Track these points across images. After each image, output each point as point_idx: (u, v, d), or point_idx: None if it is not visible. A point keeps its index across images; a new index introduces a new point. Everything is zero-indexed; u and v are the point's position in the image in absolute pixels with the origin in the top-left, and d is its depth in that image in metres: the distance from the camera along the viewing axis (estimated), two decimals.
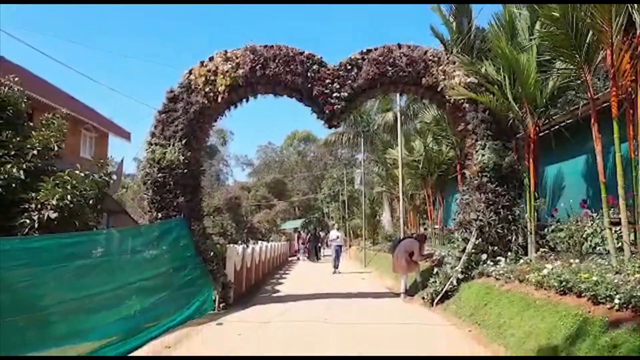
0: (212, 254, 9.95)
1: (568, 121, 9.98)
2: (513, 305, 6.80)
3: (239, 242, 24.85)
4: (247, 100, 10.66)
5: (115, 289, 7.35)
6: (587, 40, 6.63)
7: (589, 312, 5.17)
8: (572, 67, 7.43)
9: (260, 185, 51.33)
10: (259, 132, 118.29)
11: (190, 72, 10.14)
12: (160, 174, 9.68)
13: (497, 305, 7.26)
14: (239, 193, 38.22)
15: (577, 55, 6.81)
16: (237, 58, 10.05)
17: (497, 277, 8.24)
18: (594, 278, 5.45)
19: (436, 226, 16.10)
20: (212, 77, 9.99)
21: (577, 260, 7.06)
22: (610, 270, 5.77)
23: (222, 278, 9.92)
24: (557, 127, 9.92)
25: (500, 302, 7.24)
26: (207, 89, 9.96)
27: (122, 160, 24.77)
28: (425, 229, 17.87)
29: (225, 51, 10.16)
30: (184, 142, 9.82)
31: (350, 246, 34.93)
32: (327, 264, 26.83)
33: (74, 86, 47.04)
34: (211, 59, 10.16)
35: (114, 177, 21.86)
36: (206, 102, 9.97)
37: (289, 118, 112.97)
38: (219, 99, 9.98)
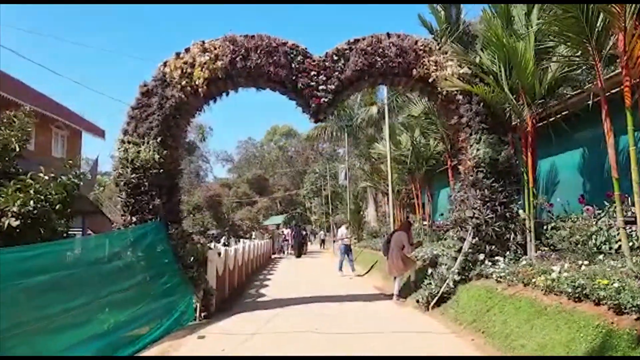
0: (192, 259, 9.26)
1: (563, 113, 9.56)
2: (520, 312, 6.29)
3: (221, 240, 24.25)
4: (227, 94, 9.97)
5: (84, 304, 6.64)
6: (598, 24, 6.11)
7: (612, 323, 4.67)
8: (578, 53, 6.89)
9: (241, 182, 50.52)
10: (239, 128, 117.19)
11: (165, 65, 9.41)
12: (134, 175, 8.95)
13: (501, 311, 6.76)
14: (219, 190, 37.54)
15: (586, 41, 6.29)
16: (215, 49, 9.35)
17: (498, 279, 7.75)
18: (615, 285, 4.95)
19: (425, 222, 15.62)
20: (189, 70, 9.28)
21: (585, 262, 6.57)
22: (630, 275, 5.29)
23: (204, 285, 9.26)
24: (553, 118, 9.47)
25: (505, 308, 6.74)
26: (183, 82, 9.25)
27: (97, 159, 23.92)
28: (407, 218, 17.31)
29: (203, 42, 9.45)
30: (159, 139, 9.10)
31: (333, 241, 34.53)
32: (312, 260, 26.52)
33: (46, 84, 45.34)
34: (187, 50, 9.44)
35: (89, 176, 20.97)
36: (183, 96, 9.26)
37: (270, 113, 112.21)
38: (197, 93, 9.28)
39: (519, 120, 9.01)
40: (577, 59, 7.30)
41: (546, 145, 10.11)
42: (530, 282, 6.77)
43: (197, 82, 9.21)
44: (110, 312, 7.10)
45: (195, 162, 60.83)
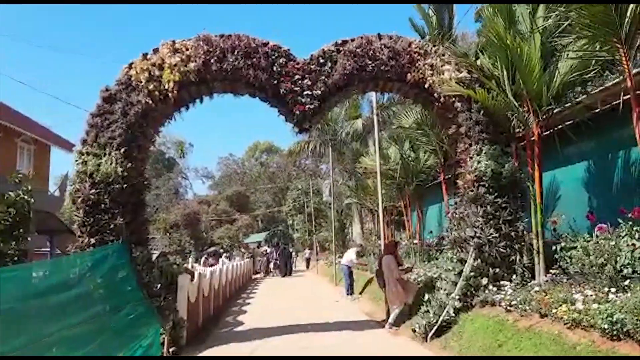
0: (159, 285, 8.17)
1: (567, 122, 8.77)
2: (542, 350, 5.36)
3: (197, 260, 23.00)
4: (201, 101, 8.99)
5: (25, 345, 5.52)
6: (628, 14, 5.30)
7: None
8: (605, 49, 6.06)
9: (221, 199, 49.08)
10: (220, 144, 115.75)
11: (130, 67, 8.41)
12: (93, 190, 7.87)
13: (517, 347, 5.81)
14: (198, 208, 36.29)
15: (613, 33, 5.47)
16: (187, 50, 8.39)
17: (508, 307, 6.83)
18: None
19: (415, 241, 14.69)
20: (158, 72, 8.28)
21: (612, 289, 5.69)
22: None
23: (173, 315, 8.15)
24: (560, 126, 8.67)
25: (522, 344, 5.80)
26: (151, 87, 8.24)
27: (66, 174, 22.50)
28: (393, 239, 16.30)
29: (174, 41, 8.49)
30: (122, 150, 8.06)
31: (317, 261, 33.37)
32: (295, 280, 25.32)
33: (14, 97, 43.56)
34: (156, 50, 8.46)
35: (57, 193, 19.51)
36: (150, 102, 8.24)
37: (251, 129, 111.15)
38: (166, 98, 8.29)
39: (523, 128, 8.20)
40: (604, 53, 6.41)
41: (546, 158, 9.29)
42: (548, 312, 5.88)
43: (166, 86, 8.22)
44: (60, 352, 5.99)
45: (174, 178, 59.34)
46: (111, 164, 7.98)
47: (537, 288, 6.92)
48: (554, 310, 5.74)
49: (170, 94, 8.25)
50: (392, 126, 16.74)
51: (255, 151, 67.26)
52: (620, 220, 7.48)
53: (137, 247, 8.17)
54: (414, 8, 11.84)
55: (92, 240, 7.88)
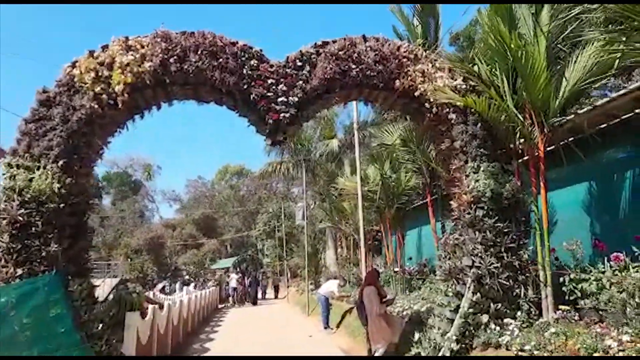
0: (100, 326, 6.80)
1: (568, 139, 7.90)
2: None
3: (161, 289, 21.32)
4: (158, 107, 7.77)
5: None
6: None
7: None
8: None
9: (187, 223, 47.04)
10: (189, 168, 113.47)
11: (73, 66, 7.15)
12: (22, 210, 6.50)
13: None
14: (162, 231, 34.40)
15: None
16: (142, 47, 7.20)
17: (519, 352, 5.74)
18: None
19: (396, 268, 13.59)
20: (106, 73, 7.06)
21: None
22: None
23: None
24: (564, 142, 7.77)
25: None
26: (97, 89, 7.00)
27: None
28: (374, 268, 15.16)
29: (126, 38, 7.29)
30: (61, 163, 6.74)
31: (288, 287, 31.86)
32: (265, 310, 23.70)
33: None
34: (105, 47, 7.25)
35: None
36: (96, 106, 6.99)
37: (222, 152, 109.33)
38: (116, 103, 7.04)
39: (525, 144, 7.27)
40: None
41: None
42: None
43: (116, 89, 6.99)
44: None
45: (140, 201, 57.09)
46: (46, 179, 6.64)
47: (552, 329, 5.86)
48: None
49: (120, 98, 7.01)
50: (372, 145, 15.76)
51: (226, 174, 65.62)
52: (636, 249, 6.60)
53: (75, 280, 6.80)
54: (396, 17, 11.02)
55: (19, 271, 6.46)
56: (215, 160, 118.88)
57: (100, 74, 7.06)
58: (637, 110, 7.08)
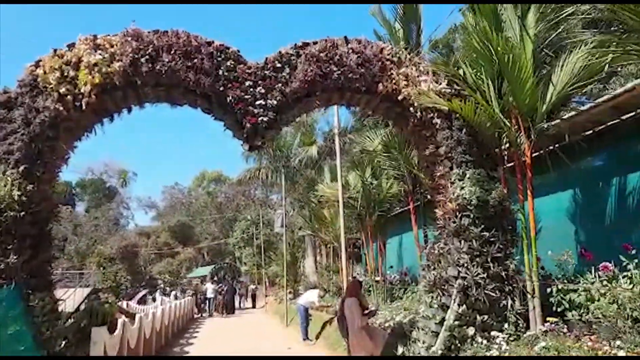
0: (64, 342, 6.33)
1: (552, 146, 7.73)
2: None
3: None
4: (129, 110, 7.36)
5: None
6: None
7: None
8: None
9: (163, 230, 46.00)
10: (165, 174, 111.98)
11: (37, 65, 6.71)
12: None
13: None
14: (136, 239, 33.51)
15: None
16: (112, 46, 6.80)
17: None
18: None
19: (377, 278, 13.30)
20: (72, 73, 6.64)
21: None
22: None
23: None
24: (550, 148, 7.60)
25: None
26: (62, 90, 6.57)
27: None
28: (356, 278, 14.85)
29: (95, 36, 6.88)
30: (22, 169, 6.30)
31: (266, 296, 31.30)
32: (242, 320, 23.10)
33: None
34: (71, 46, 6.82)
35: None
36: (61, 108, 6.56)
37: (200, 159, 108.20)
38: (82, 105, 6.62)
39: (512, 149, 7.07)
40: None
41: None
42: None
43: (83, 90, 6.58)
44: None
45: (114, 208, 55.83)
46: (5, 185, 6.19)
47: (542, 343, 5.62)
48: None
49: (87, 100, 6.60)
50: (353, 151, 15.50)
51: (203, 180, 64.73)
52: (623, 258, 6.44)
53: (37, 294, 6.32)
54: (378, 21, 10.80)
55: None
56: (192, 167, 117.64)
57: (65, 74, 6.65)
58: (624, 117, 6.97)
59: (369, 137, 11.47)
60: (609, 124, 7.25)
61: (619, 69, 10.75)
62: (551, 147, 7.39)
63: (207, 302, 26.50)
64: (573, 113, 7.12)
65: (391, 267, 15.00)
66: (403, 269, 14.10)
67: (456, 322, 6.66)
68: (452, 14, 9.25)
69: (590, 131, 7.55)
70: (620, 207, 7.52)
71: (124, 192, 62.51)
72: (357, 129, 20.38)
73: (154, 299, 26.84)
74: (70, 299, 18.40)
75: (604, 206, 7.81)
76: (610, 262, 6.51)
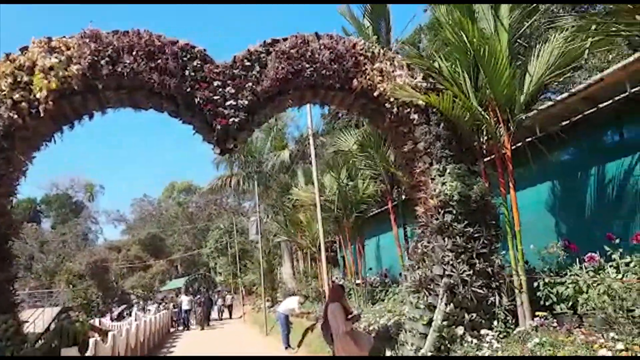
0: None
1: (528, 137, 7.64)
2: None
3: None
4: (90, 116, 6.92)
5: None
6: None
7: None
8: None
9: (133, 244, 44.82)
10: (134, 187, 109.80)
11: None
12: None
13: None
14: (106, 254, 32.43)
15: None
16: (68, 49, 6.38)
17: None
18: None
19: (357, 280, 13.05)
20: (26, 78, 6.18)
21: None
22: None
23: None
24: (529, 139, 7.49)
25: None
26: (16, 96, 6.10)
27: None
28: (338, 282, 14.57)
29: (49, 38, 6.44)
30: None
31: (244, 305, 30.70)
32: (223, 332, 22.43)
33: None
34: (24, 50, 6.37)
35: None
36: (16, 116, 6.08)
37: (168, 168, 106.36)
38: (39, 112, 6.16)
39: (491, 142, 6.92)
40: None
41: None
42: None
43: (38, 96, 6.12)
44: None
45: (82, 223, 54.23)
46: None
47: (536, 339, 5.43)
48: None
49: (44, 106, 6.14)
50: (326, 154, 15.24)
51: (173, 191, 63.62)
52: (607, 248, 6.34)
53: None
54: (346, 19, 10.61)
55: None
56: (161, 178, 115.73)
57: (19, 79, 6.19)
58: (600, 105, 6.90)
59: (343, 137, 11.22)
60: (585, 113, 7.18)
61: (584, 62, 10.80)
62: (529, 139, 7.29)
63: (184, 314, 25.70)
64: (549, 104, 7.04)
65: (370, 269, 14.78)
66: (382, 270, 13.90)
67: (444, 322, 6.43)
68: (417, 15, 9.07)
69: (567, 121, 7.47)
70: (600, 197, 7.45)
71: (92, 206, 61.08)
72: (327, 132, 20.19)
73: (129, 314, 26.00)
74: (39, 319, 17.61)
75: (584, 197, 7.73)
76: (595, 253, 6.41)
